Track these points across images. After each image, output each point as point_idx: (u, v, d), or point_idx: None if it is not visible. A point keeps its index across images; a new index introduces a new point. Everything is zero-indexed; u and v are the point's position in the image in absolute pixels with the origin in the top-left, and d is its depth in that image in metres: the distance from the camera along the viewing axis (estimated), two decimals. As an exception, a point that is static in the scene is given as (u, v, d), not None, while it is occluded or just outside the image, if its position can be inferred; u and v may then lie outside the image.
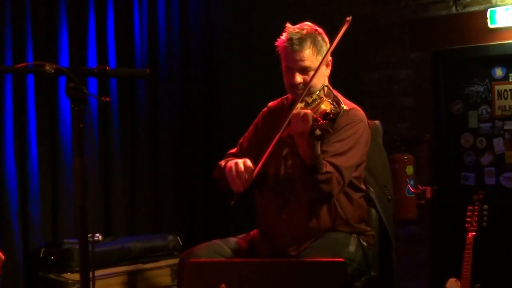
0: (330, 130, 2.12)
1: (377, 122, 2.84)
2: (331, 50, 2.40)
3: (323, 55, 2.45)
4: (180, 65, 4.54)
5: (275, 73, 2.56)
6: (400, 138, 4.54)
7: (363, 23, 4.88)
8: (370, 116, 2.71)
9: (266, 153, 2.39)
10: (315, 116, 2.13)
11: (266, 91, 4.27)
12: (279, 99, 2.68)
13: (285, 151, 2.53)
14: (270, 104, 2.70)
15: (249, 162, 2.38)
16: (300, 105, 2.32)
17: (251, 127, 2.70)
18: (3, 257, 2.04)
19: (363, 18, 4.87)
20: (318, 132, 2.11)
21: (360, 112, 2.52)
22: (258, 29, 4.63)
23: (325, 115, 2.13)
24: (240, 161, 2.38)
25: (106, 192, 4.09)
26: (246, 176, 2.34)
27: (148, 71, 1.93)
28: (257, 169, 2.38)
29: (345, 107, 2.22)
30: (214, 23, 4.68)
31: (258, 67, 4.59)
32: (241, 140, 2.70)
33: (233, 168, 2.37)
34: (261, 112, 2.70)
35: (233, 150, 2.67)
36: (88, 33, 3.99)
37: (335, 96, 2.41)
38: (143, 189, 4.30)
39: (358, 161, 2.47)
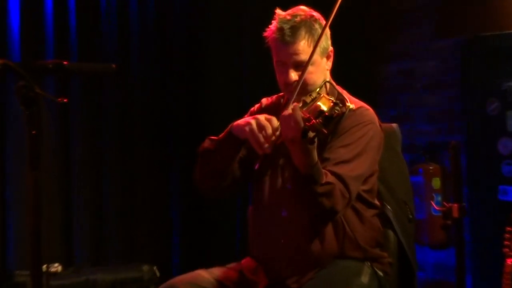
0: (324, 131, 2.13)
1: (394, 125, 2.86)
2: (329, 23, 2.40)
3: (322, 46, 2.47)
4: (158, 57, 4.56)
5: (271, 65, 2.59)
6: (424, 144, 4.58)
7: (377, 6, 4.92)
8: (387, 118, 2.75)
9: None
10: (307, 115, 2.16)
11: (261, 87, 4.27)
12: (275, 96, 2.71)
13: (281, 161, 2.55)
14: (264, 100, 2.72)
15: (268, 116, 2.39)
16: (295, 106, 2.34)
17: None
18: None
19: (378, 4, 4.91)
20: (311, 134, 2.13)
21: (369, 111, 2.54)
22: (250, 12, 4.64)
23: (319, 113, 2.16)
24: (260, 116, 2.38)
25: (67, 213, 4.10)
26: (270, 131, 2.33)
27: (114, 66, 1.95)
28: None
29: (351, 106, 2.24)
30: (199, 6, 4.70)
31: (251, 59, 4.61)
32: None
33: (254, 124, 2.36)
34: (253, 108, 2.72)
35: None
36: (46, 20, 4.03)
37: (339, 94, 2.43)
38: (112, 208, 4.31)
39: (367, 171, 2.48)
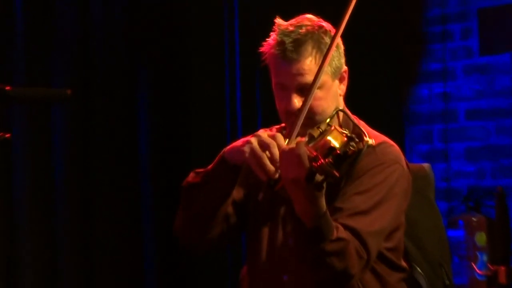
0: (336, 173, 2.13)
1: (426, 165, 2.87)
2: (338, 34, 2.41)
3: (333, 64, 2.49)
4: (126, 72, 4.59)
5: (269, 87, 2.60)
6: (465, 189, 4.58)
7: (405, 15, 4.96)
8: (417, 156, 2.77)
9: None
10: (314, 154, 2.16)
11: (257, 116, 4.28)
12: (275, 128, 2.70)
13: (282, 210, 2.56)
14: (262, 132, 2.72)
15: (271, 132, 2.39)
16: (299, 140, 2.35)
17: None
18: None
19: (406, 8, 4.95)
20: (318, 177, 2.13)
21: (393, 148, 2.55)
22: (243, 21, 4.68)
23: (329, 150, 2.16)
24: (262, 133, 2.38)
25: (9, 262, 4.11)
26: (276, 150, 2.31)
27: (69, 92, 1.94)
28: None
29: (370, 142, 2.25)
30: (178, 12, 4.75)
31: (244, 81, 4.63)
32: None
33: (255, 142, 2.34)
34: None
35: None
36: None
37: (355, 125, 2.44)
38: (67, 264, 4.30)
39: (391, 224, 2.48)
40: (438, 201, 2.89)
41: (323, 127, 2.37)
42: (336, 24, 2.47)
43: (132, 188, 4.59)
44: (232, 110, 4.68)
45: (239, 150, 2.43)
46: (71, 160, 4.37)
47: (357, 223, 2.37)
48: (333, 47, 2.43)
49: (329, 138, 2.22)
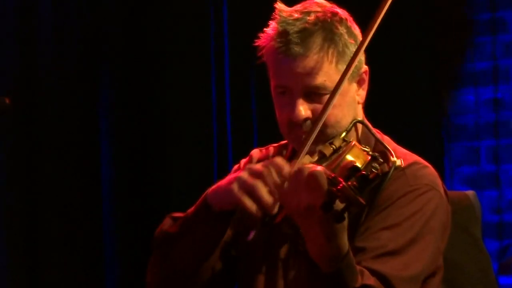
0: (361, 201, 2.10)
1: (470, 193, 2.89)
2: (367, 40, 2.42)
3: (349, 63, 2.49)
4: (82, 70, 4.65)
5: (267, 92, 2.62)
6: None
7: (445, 5, 4.99)
8: (459, 180, 2.77)
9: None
10: (333, 175, 2.14)
11: (250, 133, 4.33)
12: (272, 147, 2.73)
13: (282, 251, 2.58)
14: (256, 153, 2.73)
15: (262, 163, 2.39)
16: (307, 159, 2.35)
17: None
18: None
19: None
20: (338, 205, 2.10)
21: (427, 170, 2.55)
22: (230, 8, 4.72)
23: (351, 171, 2.16)
24: (253, 165, 2.38)
25: None
26: (275, 176, 2.30)
27: (8, 100, 1.96)
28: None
29: (397, 162, 2.25)
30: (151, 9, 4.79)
31: (235, 70, 4.66)
32: None
33: (245, 176, 2.33)
34: (237, 165, 2.73)
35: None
36: None
37: (377, 141, 2.47)
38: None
39: (427, 267, 2.48)
40: (486, 239, 2.89)
41: (337, 143, 2.40)
42: (356, 18, 2.50)
43: (91, 229, 4.62)
44: (220, 122, 4.70)
45: (226, 190, 2.40)
46: (13, 186, 4.41)
47: (385, 266, 2.38)
48: (352, 46, 2.46)
49: (348, 156, 2.22)
